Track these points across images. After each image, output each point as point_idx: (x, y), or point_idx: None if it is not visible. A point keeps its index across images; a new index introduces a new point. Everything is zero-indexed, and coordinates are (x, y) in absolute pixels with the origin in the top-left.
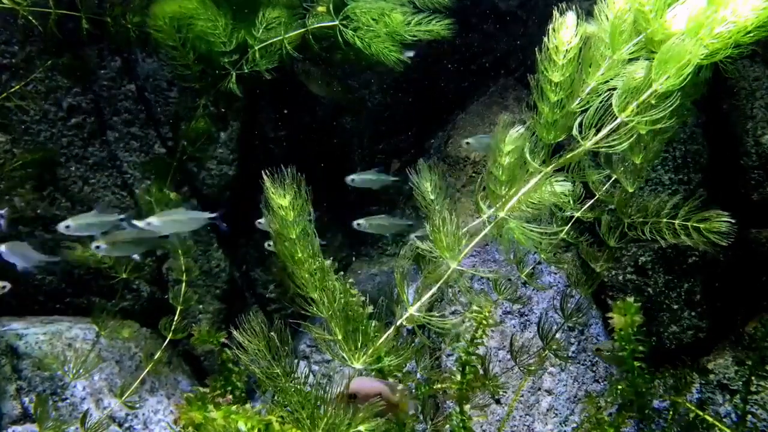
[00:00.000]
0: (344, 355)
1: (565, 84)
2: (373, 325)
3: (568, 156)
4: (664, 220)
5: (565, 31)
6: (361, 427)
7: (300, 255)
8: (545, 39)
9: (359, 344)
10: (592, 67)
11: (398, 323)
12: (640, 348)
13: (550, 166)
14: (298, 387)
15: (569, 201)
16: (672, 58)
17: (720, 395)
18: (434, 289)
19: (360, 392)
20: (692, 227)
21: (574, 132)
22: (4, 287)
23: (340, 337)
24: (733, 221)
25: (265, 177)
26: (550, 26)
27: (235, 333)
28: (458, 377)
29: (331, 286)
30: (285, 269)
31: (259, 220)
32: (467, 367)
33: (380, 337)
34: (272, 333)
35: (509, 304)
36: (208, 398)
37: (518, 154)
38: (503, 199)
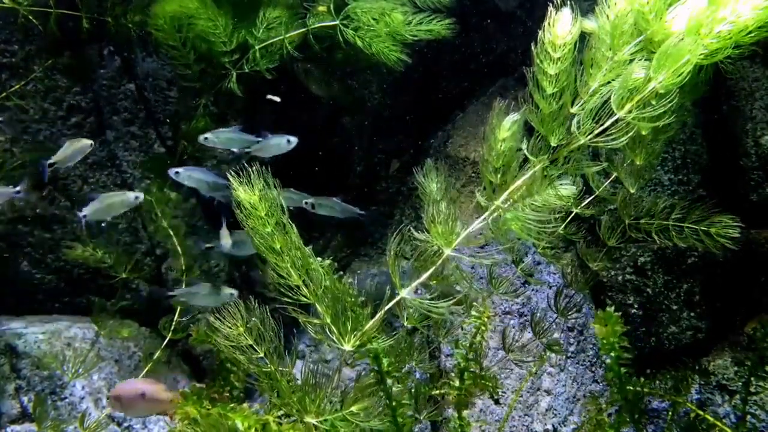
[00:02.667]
0: (334, 337)
1: (561, 76)
2: (362, 307)
3: (565, 149)
4: (672, 222)
5: (560, 25)
6: (353, 408)
7: (279, 246)
8: (541, 33)
9: (348, 326)
10: (594, 68)
11: (389, 305)
12: (626, 355)
13: (547, 158)
14: (286, 370)
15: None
16: (671, 56)
17: (719, 396)
18: (427, 275)
19: (122, 395)
20: (702, 231)
21: (573, 127)
22: None
23: (328, 320)
24: (743, 226)
25: (229, 177)
26: (547, 21)
27: (211, 319)
28: (456, 383)
29: (315, 271)
30: (265, 262)
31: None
32: (466, 373)
33: (370, 319)
34: (253, 319)
35: (509, 304)
36: (204, 394)
37: (514, 142)
38: (499, 189)
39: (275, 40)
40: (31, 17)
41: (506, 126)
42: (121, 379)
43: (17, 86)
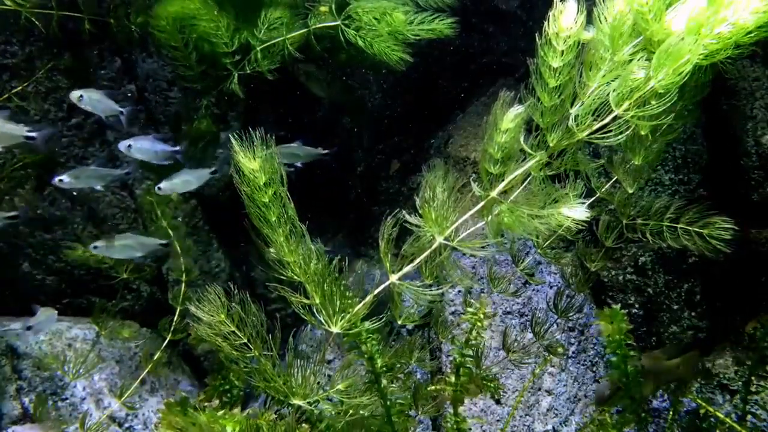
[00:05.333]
0: (322, 319)
1: (564, 70)
2: (350, 290)
3: (562, 143)
4: (666, 223)
5: (565, 17)
6: (340, 386)
7: (274, 219)
8: (545, 25)
9: (337, 308)
10: (593, 70)
11: (380, 289)
12: (632, 353)
13: (546, 153)
14: (270, 354)
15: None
16: (671, 55)
17: (720, 395)
18: (418, 260)
19: None
20: (694, 232)
21: (570, 122)
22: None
23: (317, 301)
24: (736, 228)
25: (232, 140)
26: (552, 12)
27: (192, 308)
28: (452, 378)
29: (307, 250)
30: (259, 236)
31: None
32: (461, 369)
33: (358, 303)
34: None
35: (510, 304)
36: (190, 403)
37: (515, 134)
38: (496, 180)
39: (277, 40)
40: (33, 19)
41: (510, 117)
42: (122, 380)
43: (19, 87)
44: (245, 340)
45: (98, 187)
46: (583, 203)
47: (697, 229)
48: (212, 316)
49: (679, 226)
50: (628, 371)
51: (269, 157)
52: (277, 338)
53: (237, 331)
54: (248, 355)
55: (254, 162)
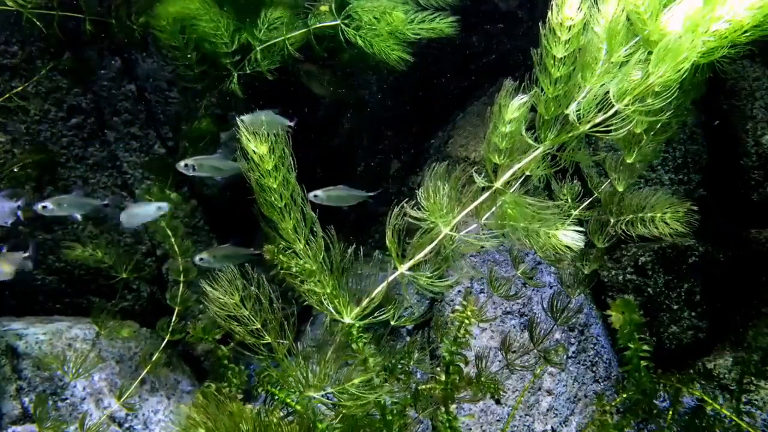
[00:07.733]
0: (332, 308)
1: (568, 60)
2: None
3: (564, 135)
4: (639, 214)
5: (569, 6)
6: (355, 380)
7: (281, 204)
8: (549, 13)
9: (348, 297)
10: (589, 71)
11: (389, 279)
12: (645, 347)
13: (549, 142)
14: (288, 342)
15: (568, 200)
16: (670, 52)
17: (720, 395)
18: (426, 251)
19: None
20: (659, 219)
21: (571, 117)
22: None
23: (329, 290)
24: (695, 209)
25: (238, 122)
26: (554, 1)
27: (207, 288)
28: (442, 377)
29: (317, 236)
30: (268, 223)
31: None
32: (451, 367)
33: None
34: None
35: (510, 304)
36: (219, 397)
37: (519, 124)
38: (500, 170)
39: (277, 40)
40: (33, 19)
41: (514, 106)
42: (122, 380)
43: (19, 87)
44: (259, 326)
45: (77, 216)
46: (582, 231)
47: (661, 215)
48: (228, 297)
49: (647, 215)
50: (640, 365)
51: (278, 141)
52: (294, 327)
53: (252, 317)
54: (263, 341)
55: (262, 146)
